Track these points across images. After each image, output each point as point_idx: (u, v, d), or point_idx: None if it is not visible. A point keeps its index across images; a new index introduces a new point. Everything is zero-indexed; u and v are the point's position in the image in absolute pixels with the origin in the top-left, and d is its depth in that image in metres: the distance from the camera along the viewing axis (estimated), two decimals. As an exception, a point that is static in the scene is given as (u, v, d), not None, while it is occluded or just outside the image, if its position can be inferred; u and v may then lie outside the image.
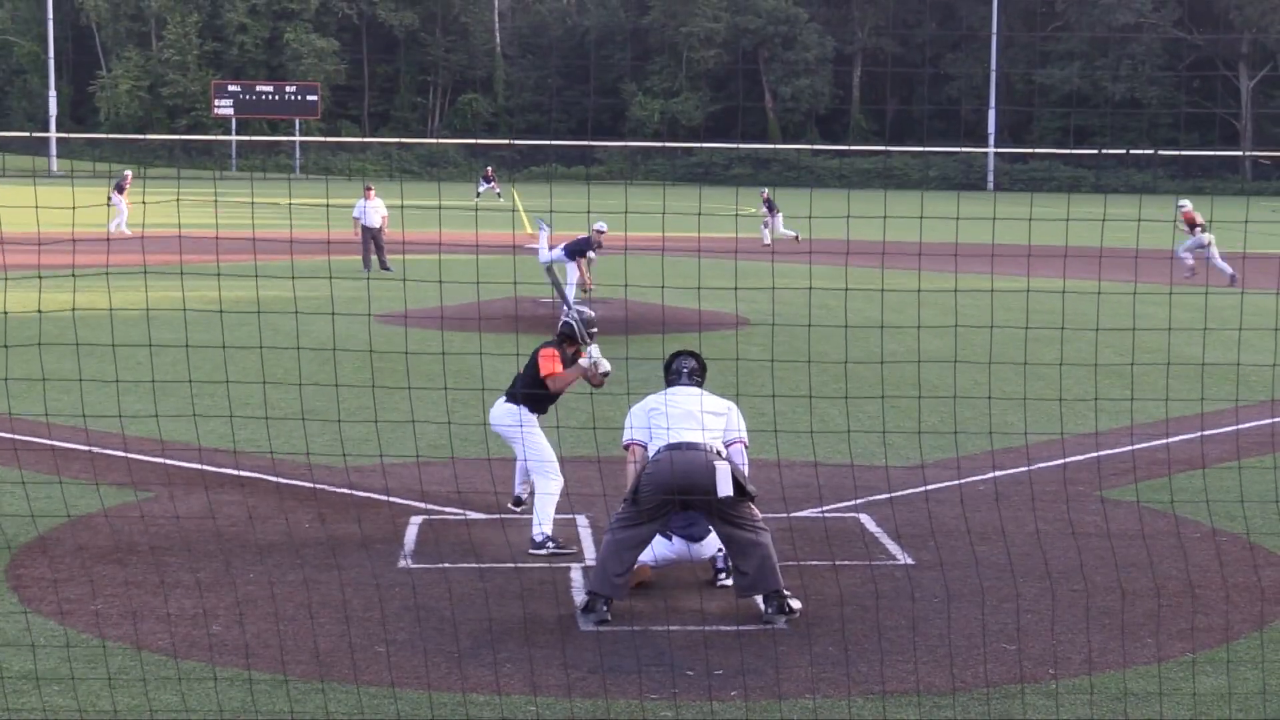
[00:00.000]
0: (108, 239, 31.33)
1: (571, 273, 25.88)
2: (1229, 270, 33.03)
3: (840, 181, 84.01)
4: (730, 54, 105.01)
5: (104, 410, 14.10)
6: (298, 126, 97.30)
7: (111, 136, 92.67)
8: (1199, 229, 34.42)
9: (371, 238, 33.79)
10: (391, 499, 12.30)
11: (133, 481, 12.81)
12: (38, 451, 13.70)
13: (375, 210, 33.94)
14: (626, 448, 10.09)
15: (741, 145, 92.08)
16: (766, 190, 47.51)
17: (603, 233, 26.47)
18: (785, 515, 11.86)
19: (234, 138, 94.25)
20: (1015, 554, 10.85)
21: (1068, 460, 13.74)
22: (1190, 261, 33.95)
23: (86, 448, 13.62)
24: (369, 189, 34.24)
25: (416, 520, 11.89)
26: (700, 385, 10.35)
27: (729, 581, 10.14)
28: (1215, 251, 34.19)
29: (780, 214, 44.46)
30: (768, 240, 41.68)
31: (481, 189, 65.91)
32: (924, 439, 13.34)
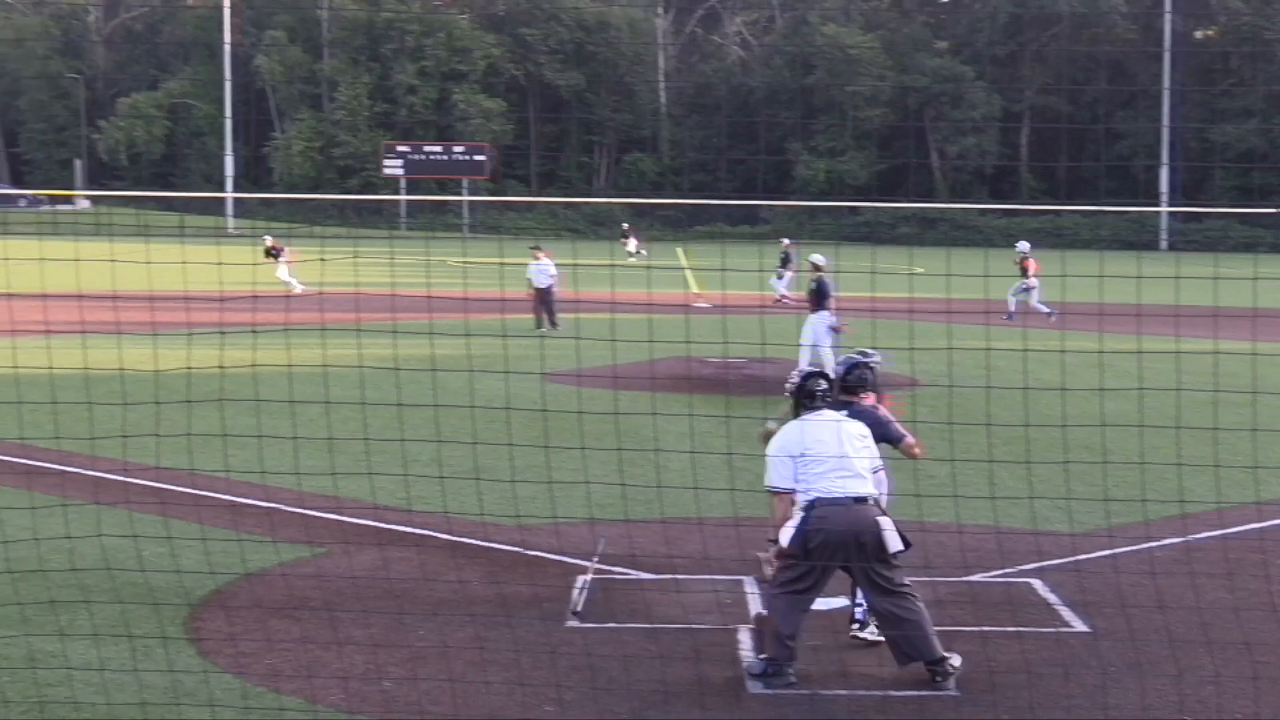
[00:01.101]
0: (287, 297, 31.92)
1: (824, 331, 24.47)
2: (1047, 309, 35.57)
3: (1008, 241, 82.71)
4: (896, 113, 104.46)
5: (281, 466, 14.25)
6: (465, 186, 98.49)
7: (284, 196, 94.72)
8: (1033, 274, 37.08)
9: (540, 298, 33.93)
10: (564, 558, 12.23)
11: (308, 537, 12.91)
12: (217, 506, 13.88)
13: (544, 270, 34.04)
14: (774, 494, 9.66)
15: (909, 204, 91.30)
16: (787, 240, 46.36)
17: (821, 264, 25.24)
18: (964, 580, 11.57)
19: (404, 198, 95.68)
20: (1207, 625, 10.43)
21: (1265, 525, 13.20)
22: (1046, 309, 35.72)
23: (265, 503, 13.77)
24: (537, 249, 34.38)
25: (586, 579, 11.81)
26: (833, 406, 9.95)
27: (864, 635, 10.08)
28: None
29: (790, 271, 41.95)
30: (781, 293, 41.02)
31: (629, 248, 64.31)
32: (1110, 505, 12.94)
